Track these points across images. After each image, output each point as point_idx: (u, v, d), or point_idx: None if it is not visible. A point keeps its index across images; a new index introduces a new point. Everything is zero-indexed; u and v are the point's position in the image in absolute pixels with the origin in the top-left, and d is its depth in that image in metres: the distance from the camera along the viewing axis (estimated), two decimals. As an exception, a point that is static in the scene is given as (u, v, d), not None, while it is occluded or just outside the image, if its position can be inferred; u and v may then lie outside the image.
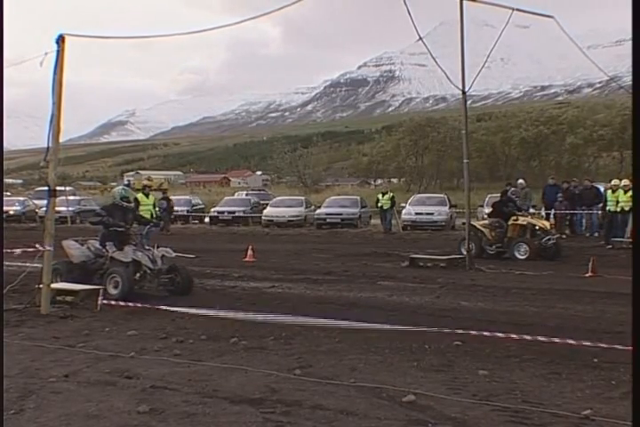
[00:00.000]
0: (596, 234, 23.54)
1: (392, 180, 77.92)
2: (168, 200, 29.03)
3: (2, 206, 22.15)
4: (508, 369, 6.44)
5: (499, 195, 27.13)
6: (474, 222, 18.47)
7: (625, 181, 21.88)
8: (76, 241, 11.98)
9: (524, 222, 17.80)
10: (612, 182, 22.38)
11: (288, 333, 8.10)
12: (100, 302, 9.95)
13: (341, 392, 5.66)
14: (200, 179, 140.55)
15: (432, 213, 29.64)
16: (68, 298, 10.25)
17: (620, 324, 8.59)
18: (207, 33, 11.43)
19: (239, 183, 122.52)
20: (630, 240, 20.24)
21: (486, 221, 18.61)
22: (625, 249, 18.95)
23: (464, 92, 15.76)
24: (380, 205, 29.12)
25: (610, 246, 19.92)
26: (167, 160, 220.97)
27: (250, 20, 12.01)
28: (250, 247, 17.57)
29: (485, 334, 7.70)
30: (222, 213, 34.24)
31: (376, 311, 9.78)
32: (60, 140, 9.95)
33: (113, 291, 10.78)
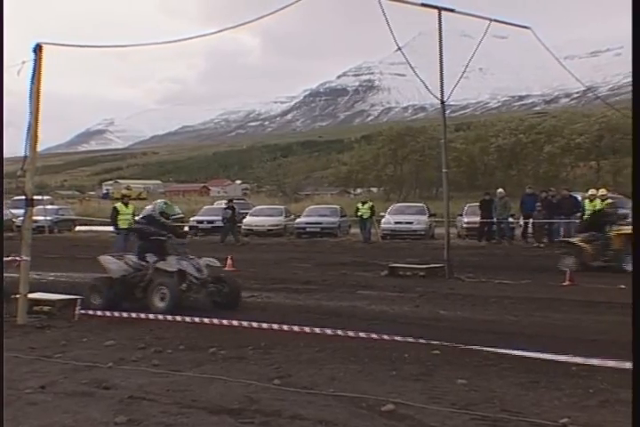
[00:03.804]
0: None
1: (371, 189, 78.08)
2: (233, 209, 28.90)
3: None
4: (486, 378, 6.46)
5: (477, 204, 27.45)
6: (570, 239, 17.99)
7: (602, 191, 22.09)
8: (113, 256, 11.59)
9: (629, 231, 16.59)
10: (590, 192, 22.56)
11: (267, 342, 8.08)
12: (77, 312, 9.89)
13: (321, 402, 5.65)
14: (179, 188, 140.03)
15: (411, 223, 29.72)
16: (45, 308, 10.17)
17: (598, 332, 8.66)
18: (186, 43, 11.43)
19: (218, 192, 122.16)
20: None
21: (581, 237, 17.54)
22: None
23: (443, 102, 15.85)
24: (359, 214, 29.17)
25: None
26: (146, 169, 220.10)
27: (228, 29, 12.04)
28: (229, 257, 17.51)
29: (462, 346, 7.73)
30: (201, 222, 34.11)
31: (356, 320, 9.79)
32: (38, 149, 9.88)
33: (160, 304, 10.31)
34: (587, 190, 23.63)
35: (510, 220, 26.20)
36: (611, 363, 6.79)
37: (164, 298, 10.33)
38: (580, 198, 23.96)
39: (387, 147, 70.54)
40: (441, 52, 15.39)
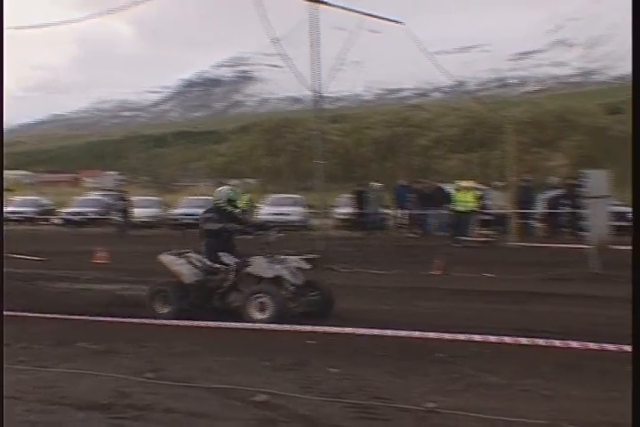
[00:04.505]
0: (445, 233, 24.36)
1: (248, 180, 77.80)
2: (124, 200, 28.05)
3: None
4: (359, 366, 6.56)
5: (352, 195, 27.82)
6: None
7: (466, 183, 22.89)
8: (177, 255, 9.86)
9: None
10: (461, 184, 23.26)
11: (141, 335, 7.96)
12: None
13: (194, 395, 5.60)
14: (50, 178, 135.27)
15: (288, 214, 29.84)
16: None
17: (469, 319, 8.97)
18: (59, 29, 11.07)
19: (92, 183, 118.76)
20: (475, 239, 21.20)
21: None
22: (470, 248, 19.81)
23: (317, 94, 15.98)
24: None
25: (456, 245, 20.67)
26: (14, 159, 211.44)
27: (97, 16, 11.72)
28: (102, 249, 17.10)
29: (337, 332, 7.84)
30: (73, 213, 33.09)
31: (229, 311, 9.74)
32: None
33: (258, 315, 8.78)
34: (457, 182, 24.33)
35: (384, 211, 26.66)
36: (476, 349, 7.07)
37: (263, 308, 8.83)
38: (450, 190, 24.64)
39: (263, 138, 70.49)
40: (314, 44, 15.54)
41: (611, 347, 6.93)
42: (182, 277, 9.44)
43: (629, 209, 24.75)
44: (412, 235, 24.66)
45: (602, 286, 12.36)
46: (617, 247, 15.73)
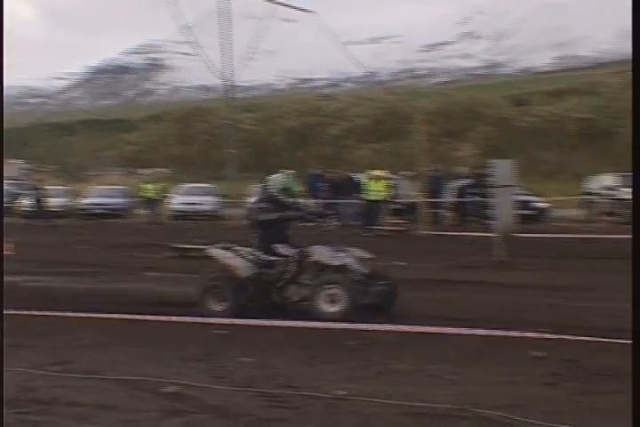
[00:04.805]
0: (356, 222, 24.57)
1: (160, 169, 76.73)
2: (38, 189, 27.07)
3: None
4: (270, 356, 6.58)
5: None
6: None
7: (377, 172, 23.14)
8: (226, 249, 9.08)
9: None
10: (372, 173, 23.48)
11: (47, 328, 7.79)
12: None
13: (101, 387, 5.53)
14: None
15: (200, 203, 29.66)
16: None
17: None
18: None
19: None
20: (386, 228, 21.46)
21: None
22: (381, 236, 20.05)
23: (229, 83, 15.86)
24: (147, 195, 28.66)
25: (367, 234, 20.86)
26: None
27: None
28: (7, 240, 16.60)
29: (252, 322, 7.86)
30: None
31: (140, 303, 9.64)
32: None
33: (329, 307, 8.21)
34: (368, 172, 24.51)
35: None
36: (386, 337, 7.20)
37: (334, 300, 8.22)
38: (360, 179, 24.80)
39: (175, 127, 69.66)
40: (225, 32, 15.41)
41: (514, 333, 7.17)
42: (238, 271, 8.71)
43: (533, 198, 25.63)
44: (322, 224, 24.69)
45: (507, 274, 12.74)
46: (521, 235, 16.23)
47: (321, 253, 8.54)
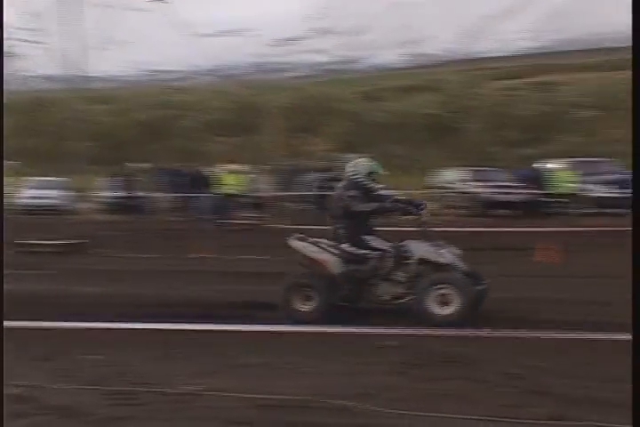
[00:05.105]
0: (209, 217, 24.37)
1: (7, 162, 73.50)
2: None
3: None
4: (122, 353, 6.49)
5: (117, 178, 27.11)
6: None
7: (233, 166, 23.09)
8: (309, 243, 8.08)
9: None
10: (226, 167, 23.37)
11: None
12: None
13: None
14: None
15: (51, 198, 28.66)
16: None
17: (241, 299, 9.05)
18: None
19: None
20: (240, 222, 21.43)
21: None
22: (234, 231, 19.97)
23: (79, 74, 15.43)
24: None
25: (220, 228, 20.63)
26: None
27: None
28: None
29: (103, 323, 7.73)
30: None
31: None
32: None
33: (440, 310, 7.45)
34: (222, 166, 24.35)
35: (149, 194, 26.25)
36: (232, 327, 7.26)
37: (446, 302, 7.44)
38: (212, 173, 24.54)
39: (24, 118, 66.73)
40: (75, 21, 14.97)
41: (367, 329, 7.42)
42: (328, 267, 7.83)
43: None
44: (176, 219, 24.42)
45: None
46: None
47: (424, 249, 7.79)
